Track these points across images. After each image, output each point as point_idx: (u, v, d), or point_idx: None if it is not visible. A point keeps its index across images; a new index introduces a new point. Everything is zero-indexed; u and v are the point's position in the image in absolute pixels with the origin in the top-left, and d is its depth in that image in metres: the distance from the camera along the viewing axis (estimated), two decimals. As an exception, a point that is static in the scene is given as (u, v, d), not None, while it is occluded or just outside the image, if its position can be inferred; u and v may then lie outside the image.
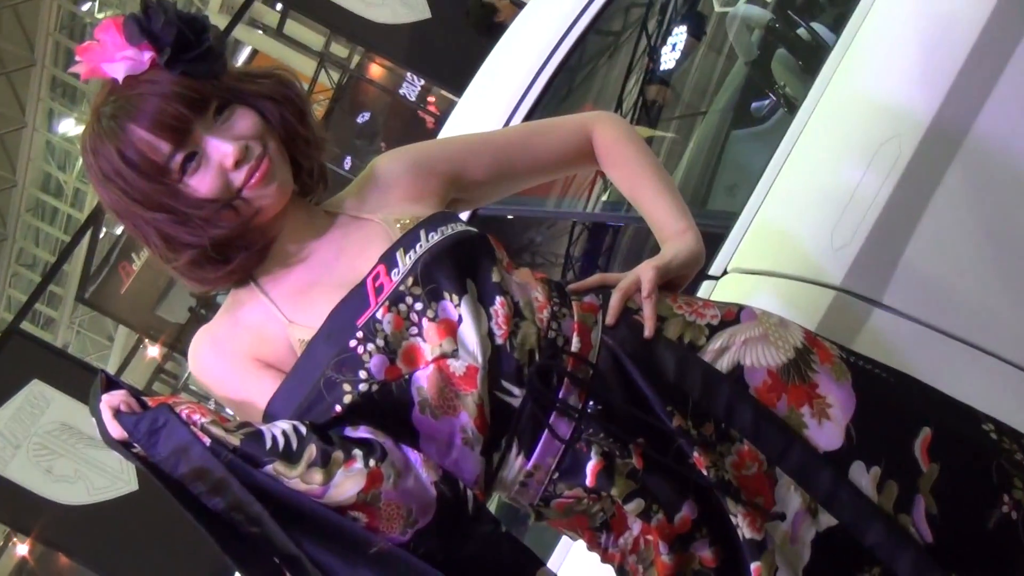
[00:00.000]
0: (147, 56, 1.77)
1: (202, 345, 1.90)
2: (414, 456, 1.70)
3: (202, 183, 1.78)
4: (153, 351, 14.48)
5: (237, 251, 1.83)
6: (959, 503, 1.80)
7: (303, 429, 1.67)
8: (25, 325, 8.96)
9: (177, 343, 12.71)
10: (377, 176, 1.96)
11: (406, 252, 1.81)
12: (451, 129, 3.73)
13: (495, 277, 1.80)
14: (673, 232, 1.96)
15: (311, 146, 1.90)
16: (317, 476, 1.63)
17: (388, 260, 1.81)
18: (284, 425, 1.68)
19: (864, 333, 2.30)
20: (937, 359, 2.29)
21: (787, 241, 2.50)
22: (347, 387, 1.72)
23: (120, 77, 1.77)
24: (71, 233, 15.97)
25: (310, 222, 1.91)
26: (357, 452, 1.65)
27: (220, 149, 1.78)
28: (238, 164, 1.78)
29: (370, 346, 1.73)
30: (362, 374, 1.72)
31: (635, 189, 2.04)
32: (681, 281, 1.94)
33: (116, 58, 1.77)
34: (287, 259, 1.89)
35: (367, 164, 2.01)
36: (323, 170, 1.94)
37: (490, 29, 5.46)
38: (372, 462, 1.65)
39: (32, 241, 21.87)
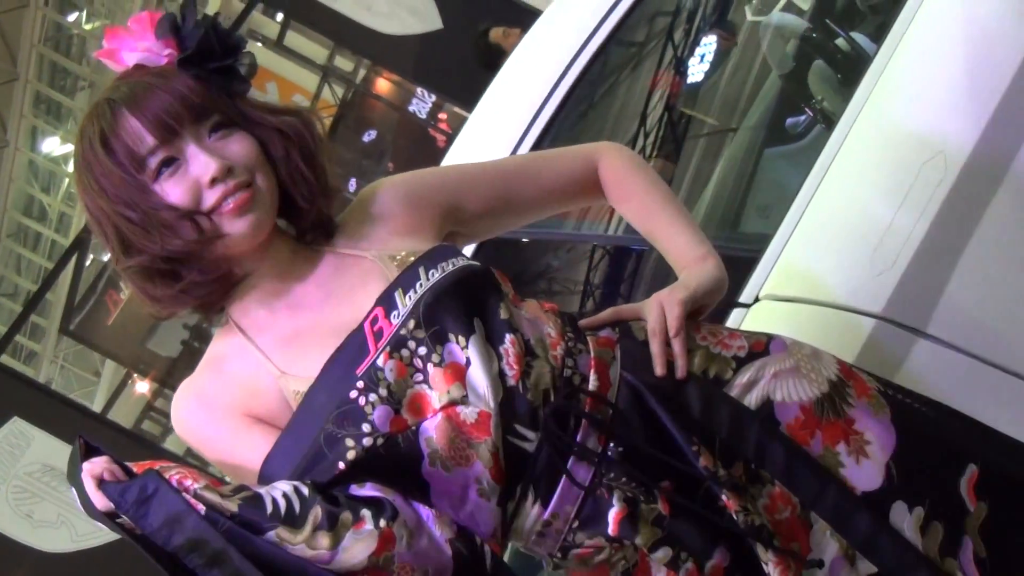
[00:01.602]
0: (166, 52, 1.83)
1: (186, 401, 1.88)
2: (426, 513, 1.69)
3: (173, 190, 1.78)
4: (142, 387, 14.46)
5: (189, 271, 1.81)
6: (1010, 545, 1.81)
7: (305, 490, 1.66)
8: (5, 359, 8.98)
9: (168, 379, 12.68)
10: (368, 208, 1.95)
11: (405, 292, 1.80)
12: (454, 158, 3.74)
13: (503, 314, 1.80)
14: (693, 259, 1.95)
15: (313, 191, 1.88)
16: (324, 540, 1.61)
17: (386, 302, 1.80)
18: (284, 487, 1.66)
19: (906, 365, 2.30)
20: (985, 392, 2.29)
21: (824, 266, 2.50)
22: (350, 442, 1.70)
23: (131, 64, 1.83)
24: (55, 260, 16.01)
25: (295, 261, 1.90)
26: (366, 512, 1.64)
27: (201, 161, 1.78)
28: (214, 182, 1.77)
29: (372, 396, 1.72)
30: (365, 427, 1.71)
31: (648, 221, 2.04)
32: (703, 310, 1.93)
33: (136, 48, 1.84)
34: (272, 302, 1.88)
35: (371, 187, 2.01)
36: (325, 219, 1.92)
37: (496, 69, 5.55)
38: (383, 522, 1.64)
39: (13, 269, 21.88)
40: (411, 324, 1.76)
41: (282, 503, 1.63)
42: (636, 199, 2.04)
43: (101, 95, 1.84)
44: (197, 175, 1.78)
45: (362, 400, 1.72)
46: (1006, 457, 1.88)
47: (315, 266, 1.90)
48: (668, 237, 2.00)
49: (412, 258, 1.84)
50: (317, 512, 1.62)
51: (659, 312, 1.86)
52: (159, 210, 1.77)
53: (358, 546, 1.62)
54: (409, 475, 1.71)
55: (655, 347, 1.83)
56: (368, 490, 1.68)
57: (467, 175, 2.04)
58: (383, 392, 1.72)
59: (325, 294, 1.87)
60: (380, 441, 1.70)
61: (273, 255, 1.88)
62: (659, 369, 1.81)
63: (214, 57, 1.82)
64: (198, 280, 1.82)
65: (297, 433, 1.75)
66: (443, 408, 1.73)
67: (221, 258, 1.83)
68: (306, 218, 1.90)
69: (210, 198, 1.78)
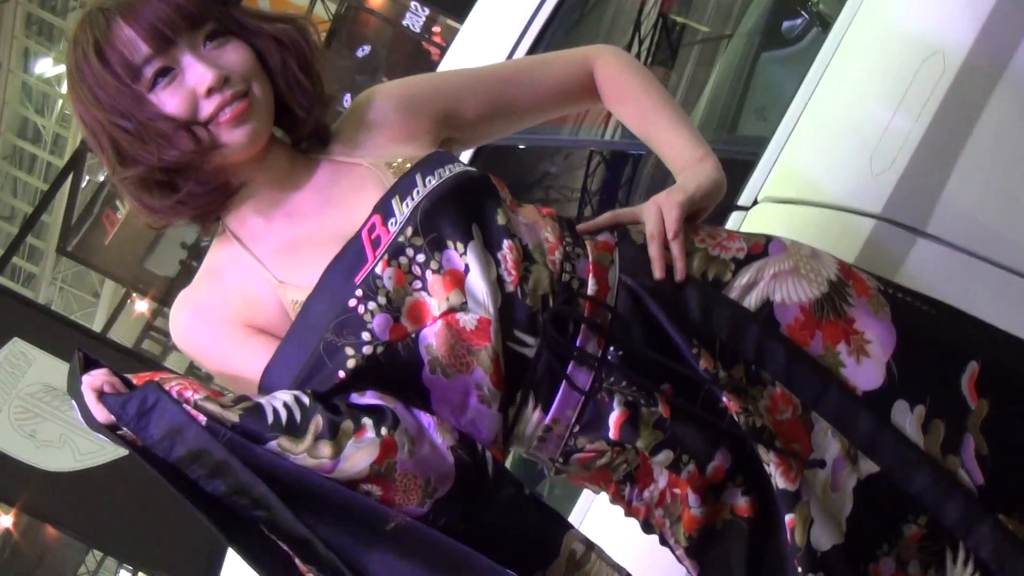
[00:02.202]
0: None
1: (185, 313, 1.88)
2: (427, 420, 1.69)
3: (169, 100, 1.76)
4: (141, 306, 14.51)
5: (186, 181, 1.79)
6: (1011, 441, 1.81)
7: (306, 399, 1.66)
8: (3, 280, 8.99)
9: (167, 297, 12.73)
10: (363, 115, 1.93)
11: (402, 199, 1.78)
12: (448, 65, 3.70)
13: (501, 220, 1.79)
14: (690, 160, 1.93)
15: (311, 99, 1.86)
16: (326, 449, 1.61)
17: (383, 209, 1.79)
18: (285, 396, 1.66)
19: (906, 264, 2.29)
20: (985, 290, 2.29)
21: (822, 167, 2.49)
22: (350, 351, 1.70)
23: None
24: (51, 182, 15.99)
25: (292, 170, 1.88)
26: (367, 420, 1.64)
27: (197, 71, 1.76)
28: (210, 92, 1.76)
29: (371, 304, 1.72)
30: (365, 336, 1.70)
31: (644, 123, 2.02)
32: (701, 212, 1.91)
33: None
34: (268, 211, 1.87)
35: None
36: (321, 128, 1.91)
37: None
38: (384, 430, 1.64)
39: (9, 191, 21.87)
40: (409, 231, 1.75)
41: (283, 413, 1.63)
42: (632, 101, 2.02)
43: (94, 3, 1.81)
44: (193, 85, 1.76)
45: (361, 308, 1.72)
46: (1006, 354, 1.87)
47: (311, 174, 1.88)
48: (665, 139, 1.98)
49: (408, 165, 1.83)
50: (318, 421, 1.63)
51: (657, 215, 1.84)
52: (155, 120, 1.75)
53: (360, 454, 1.62)
54: (409, 383, 1.71)
55: (653, 250, 1.82)
56: (369, 398, 1.68)
57: (462, 80, 2.02)
58: (382, 300, 1.72)
59: (322, 202, 1.86)
60: (380, 349, 1.70)
61: (270, 164, 1.86)
62: (658, 272, 1.80)
63: None
64: (195, 190, 1.80)
65: (296, 342, 1.74)
66: (442, 315, 1.72)
67: (218, 168, 1.81)
68: (303, 126, 1.88)
69: (207, 108, 1.76)
